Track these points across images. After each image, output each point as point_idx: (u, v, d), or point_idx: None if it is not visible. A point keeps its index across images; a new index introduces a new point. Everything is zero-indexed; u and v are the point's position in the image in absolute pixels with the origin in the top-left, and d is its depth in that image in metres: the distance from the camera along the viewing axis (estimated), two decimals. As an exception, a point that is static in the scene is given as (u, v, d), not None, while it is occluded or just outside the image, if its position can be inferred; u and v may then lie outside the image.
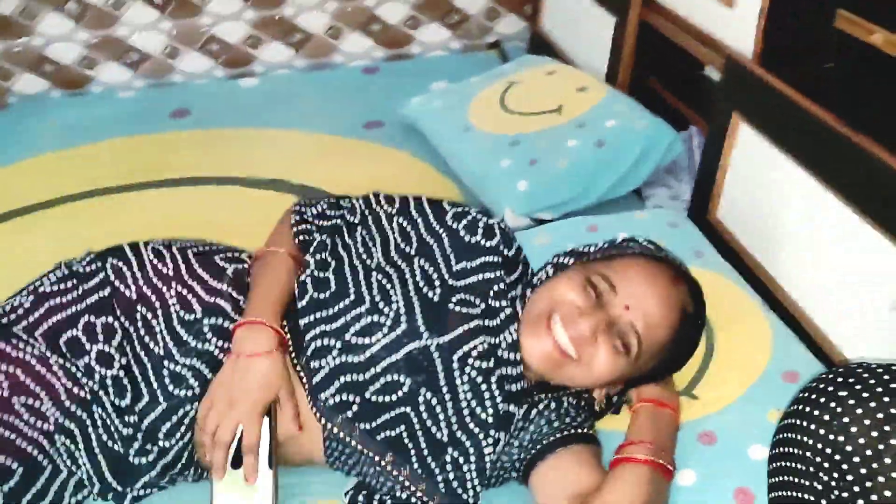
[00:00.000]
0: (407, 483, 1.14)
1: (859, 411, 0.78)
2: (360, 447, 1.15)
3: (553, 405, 1.22)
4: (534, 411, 1.22)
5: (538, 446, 1.18)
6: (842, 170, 1.34)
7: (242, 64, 2.66)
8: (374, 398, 1.16)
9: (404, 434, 1.15)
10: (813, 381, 0.85)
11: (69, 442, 1.16)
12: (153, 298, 1.23)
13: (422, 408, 1.16)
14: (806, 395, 0.84)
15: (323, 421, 1.16)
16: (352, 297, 1.21)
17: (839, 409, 0.80)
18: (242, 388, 1.13)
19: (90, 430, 1.16)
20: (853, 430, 0.79)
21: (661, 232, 1.57)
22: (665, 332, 1.15)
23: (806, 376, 1.27)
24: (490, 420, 1.16)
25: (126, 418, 1.16)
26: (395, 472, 1.14)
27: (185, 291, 1.24)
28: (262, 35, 2.63)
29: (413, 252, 1.29)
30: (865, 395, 0.79)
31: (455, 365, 1.17)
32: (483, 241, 1.29)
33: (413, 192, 1.96)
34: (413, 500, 1.15)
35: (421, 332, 1.18)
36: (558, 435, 1.18)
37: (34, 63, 2.53)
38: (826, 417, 0.80)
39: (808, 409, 0.83)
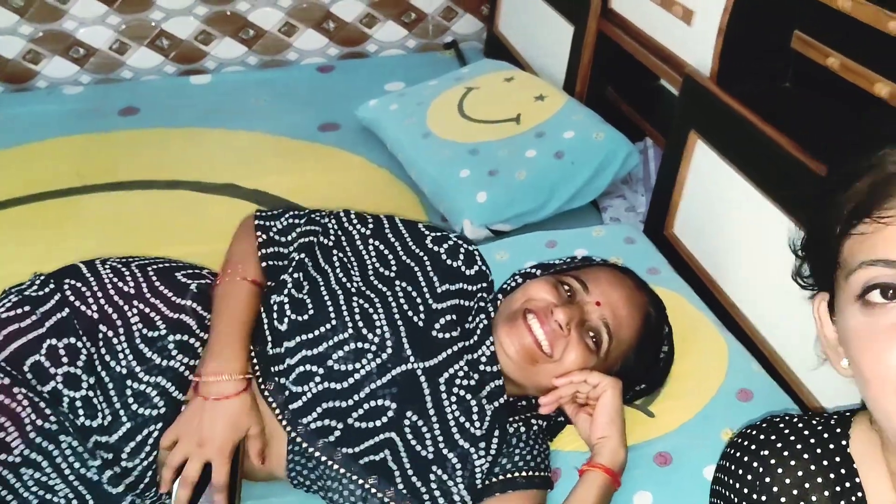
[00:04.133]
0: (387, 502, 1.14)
1: (780, 471, 0.79)
2: (342, 470, 1.15)
3: (522, 428, 1.24)
4: (509, 431, 1.23)
5: (494, 479, 1.18)
6: (794, 192, 1.36)
7: (194, 60, 2.61)
8: (357, 424, 1.16)
9: (388, 457, 1.16)
10: (737, 436, 0.86)
11: (38, 474, 1.13)
12: (115, 317, 1.21)
13: (407, 430, 1.16)
14: (731, 451, 0.85)
15: (305, 445, 1.16)
16: (333, 322, 1.21)
17: (761, 470, 0.80)
18: (212, 429, 1.13)
19: (59, 459, 1.14)
20: (775, 489, 0.80)
21: (618, 248, 1.59)
22: (632, 331, 1.22)
23: (760, 395, 1.30)
24: (482, 433, 1.18)
25: (91, 440, 1.15)
26: (378, 494, 1.14)
27: (147, 309, 1.22)
28: (214, 31, 2.58)
29: (393, 275, 1.29)
30: (785, 453, 0.80)
31: (442, 388, 1.19)
32: (464, 269, 1.33)
33: (370, 198, 1.98)
34: None
35: (407, 357, 1.19)
36: (516, 475, 1.18)
37: (-25, 57, 2.45)
38: (749, 477, 0.81)
39: (732, 467, 0.84)
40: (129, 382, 1.17)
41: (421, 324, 1.23)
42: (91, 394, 1.16)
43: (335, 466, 1.16)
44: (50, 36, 2.47)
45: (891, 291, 0.65)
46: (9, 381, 1.14)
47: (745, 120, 1.45)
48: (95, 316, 1.21)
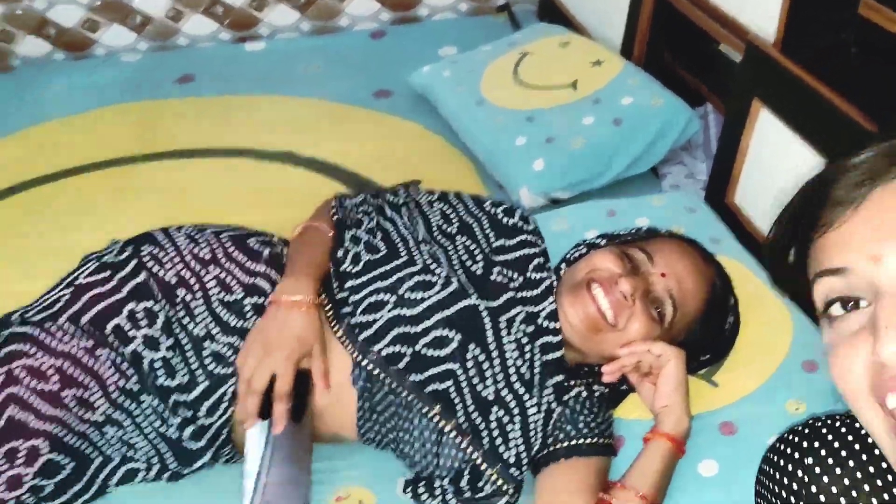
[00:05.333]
0: (453, 434, 1.17)
1: (826, 480, 0.77)
2: (410, 397, 1.19)
3: (584, 394, 1.25)
4: (568, 395, 1.25)
5: (558, 446, 1.21)
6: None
7: (247, 27, 2.62)
8: (424, 351, 1.20)
9: (451, 389, 1.19)
10: (779, 441, 0.83)
11: (120, 431, 1.18)
12: (192, 281, 1.25)
13: (469, 364, 1.20)
14: (774, 458, 0.84)
15: (377, 371, 1.20)
16: (404, 258, 1.27)
17: (806, 479, 0.78)
18: (279, 337, 1.17)
19: (140, 418, 1.19)
20: (822, 499, 0.78)
21: (678, 217, 1.59)
22: (698, 303, 1.23)
23: (825, 366, 1.29)
24: (535, 381, 1.21)
25: (171, 399, 1.19)
26: (441, 423, 1.17)
27: (223, 274, 1.27)
28: (268, -3, 2.59)
29: (454, 231, 1.35)
30: (830, 461, 0.78)
31: (503, 327, 1.23)
32: (521, 224, 1.38)
33: (425, 165, 1.99)
34: (460, 469, 1.18)
35: (470, 294, 1.23)
36: (580, 441, 1.21)
37: (36, 26, 2.48)
38: (794, 487, 0.79)
39: (777, 475, 0.83)
40: (206, 343, 1.22)
41: (479, 272, 1.29)
42: (170, 354, 1.20)
43: (404, 393, 1.19)
44: (107, 4, 2.50)
45: (850, 303, 0.62)
46: (92, 343, 1.19)
47: (813, 88, 1.42)
48: (173, 280, 1.25)
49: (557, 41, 2.14)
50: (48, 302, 1.23)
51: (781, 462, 0.80)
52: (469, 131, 2.00)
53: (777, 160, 1.54)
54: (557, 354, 1.24)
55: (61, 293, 1.24)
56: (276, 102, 2.27)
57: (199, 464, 1.22)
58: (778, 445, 0.82)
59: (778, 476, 0.80)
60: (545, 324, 1.25)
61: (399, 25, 2.67)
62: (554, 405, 1.23)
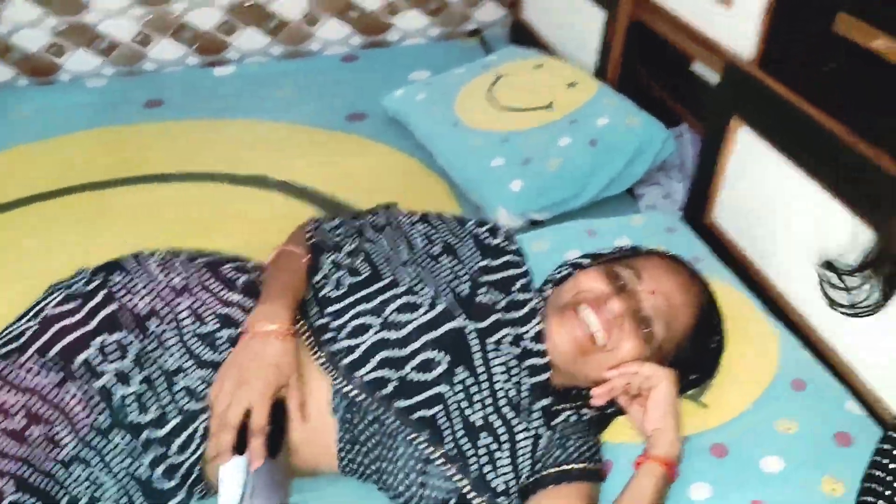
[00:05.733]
0: (440, 462, 1.14)
1: None
2: (396, 423, 1.15)
3: (573, 418, 1.23)
4: (557, 419, 1.22)
5: (546, 472, 1.18)
6: (843, 176, 1.34)
7: (216, 51, 2.59)
8: (412, 376, 1.17)
9: (440, 414, 1.16)
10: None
11: (88, 470, 1.13)
12: (164, 312, 1.21)
13: (458, 387, 1.17)
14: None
15: (361, 397, 1.16)
16: (388, 280, 1.24)
17: None
18: (253, 368, 1.12)
19: (109, 456, 1.14)
20: None
21: (658, 237, 1.57)
22: (687, 320, 1.21)
23: (813, 385, 1.28)
24: (524, 405, 1.18)
25: (143, 435, 1.14)
26: (428, 450, 1.14)
27: (196, 304, 1.22)
28: (237, 21, 2.56)
29: (438, 252, 1.32)
30: None
31: (490, 347, 1.20)
32: (505, 244, 1.36)
33: (400, 187, 1.97)
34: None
35: (456, 315, 1.20)
36: (570, 466, 1.18)
37: (0, 50, 2.43)
38: None
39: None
40: (177, 377, 1.17)
41: (465, 293, 1.26)
42: (141, 389, 1.15)
43: (389, 420, 1.15)
44: (73, 29, 2.45)
45: None
46: (60, 378, 1.14)
47: (793, 104, 1.42)
48: (144, 311, 1.20)
49: (532, 63, 2.13)
50: (14, 334, 1.18)
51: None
52: (445, 153, 1.98)
53: (757, 178, 1.54)
54: (545, 377, 1.22)
55: (28, 325, 1.18)
56: (247, 126, 2.23)
57: (173, 502, 1.17)
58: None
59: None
60: (531, 346, 1.22)
61: (370, 50, 2.65)
62: (542, 430, 1.20)
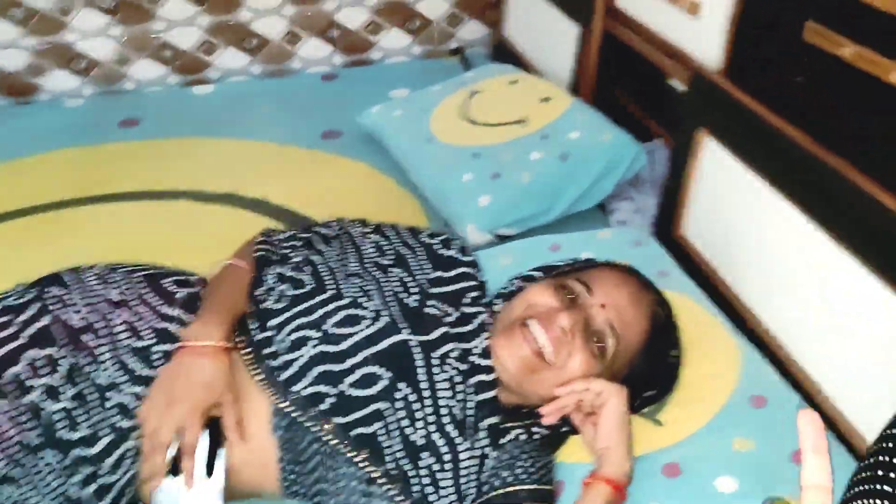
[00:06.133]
0: (383, 482, 1.09)
1: None
2: (334, 442, 1.11)
3: (523, 437, 1.18)
4: (505, 438, 1.18)
5: (494, 493, 1.13)
6: (810, 188, 1.30)
7: (197, 70, 2.58)
8: (350, 391, 1.12)
9: (380, 432, 1.12)
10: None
11: (17, 491, 1.09)
12: (99, 325, 1.17)
13: (399, 404, 1.12)
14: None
15: (296, 414, 1.12)
16: (331, 292, 1.20)
17: None
18: (184, 386, 1.09)
19: (39, 476, 1.10)
20: None
21: (624, 251, 1.53)
22: (639, 333, 1.17)
23: (774, 401, 1.23)
24: (469, 423, 1.14)
25: (72, 454, 1.10)
26: (369, 468, 1.10)
27: (133, 318, 1.18)
28: (217, 41, 2.55)
29: (388, 263, 1.29)
30: None
31: (435, 362, 1.15)
32: (458, 256, 1.33)
33: (372, 205, 1.93)
34: None
35: (401, 328, 1.16)
36: (518, 488, 1.13)
37: (-23, 71, 2.43)
38: None
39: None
40: (110, 393, 1.13)
41: (414, 304, 1.22)
42: (71, 405, 1.11)
43: (327, 438, 1.11)
44: (52, 48, 2.45)
45: None
46: None
47: (759, 116, 1.39)
48: (79, 324, 1.17)
49: (507, 79, 2.11)
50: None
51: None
52: (417, 169, 1.96)
53: (724, 191, 1.50)
54: (491, 394, 1.17)
55: None
56: (221, 145, 2.21)
57: None
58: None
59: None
60: (478, 361, 1.18)
61: (351, 68, 2.64)
62: (488, 450, 1.15)
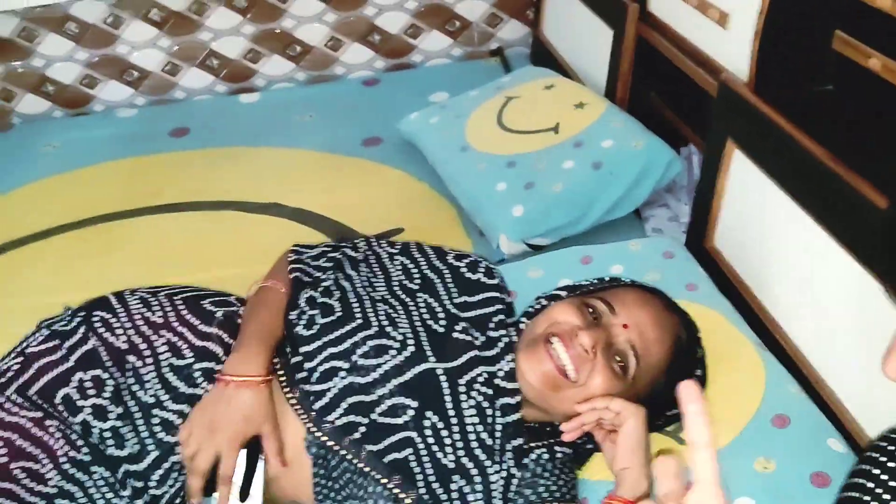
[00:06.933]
0: None
1: None
2: (367, 469, 1.15)
3: (546, 456, 1.21)
4: (528, 458, 1.21)
5: None
6: (831, 205, 1.29)
7: (243, 78, 2.65)
8: (380, 420, 1.16)
9: (411, 457, 1.15)
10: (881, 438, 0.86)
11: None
12: (142, 347, 1.23)
13: (427, 432, 1.16)
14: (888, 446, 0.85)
15: (331, 444, 1.16)
16: (359, 321, 1.23)
17: None
18: (225, 417, 1.14)
19: (91, 489, 1.16)
20: None
21: (656, 262, 1.54)
22: (661, 354, 1.18)
23: (797, 420, 1.24)
24: (496, 447, 1.17)
25: (121, 469, 1.17)
26: (401, 495, 1.14)
27: (174, 338, 1.24)
28: (262, 49, 2.62)
29: (416, 287, 1.31)
30: None
31: (461, 389, 1.18)
32: (484, 279, 1.34)
33: (409, 213, 1.98)
34: None
35: (428, 356, 1.19)
36: None
37: (36, 84, 2.53)
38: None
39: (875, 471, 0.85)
40: (155, 411, 1.19)
41: (441, 330, 1.25)
42: (119, 424, 1.18)
43: (360, 465, 1.15)
44: (105, 60, 2.54)
45: None
46: (41, 415, 1.17)
47: (783, 130, 1.38)
48: (124, 346, 1.23)
49: (543, 84, 2.12)
50: (-2, 372, 1.22)
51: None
52: (453, 178, 1.99)
53: (752, 204, 1.50)
54: (516, 416, 1.20)
55: (11, 363, 1.22)
56: (266, 154, 2.28)
57: None
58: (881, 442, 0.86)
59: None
60: (503, 384, 1.21)
61: (392, 73, 2.67)
62: (514, 470, 1.18)
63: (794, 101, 1.42)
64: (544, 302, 1.32)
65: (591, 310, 1.20)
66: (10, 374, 1.21)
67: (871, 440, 0.87)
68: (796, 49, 1.46)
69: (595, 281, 1.35)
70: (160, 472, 1.18)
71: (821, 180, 1.30)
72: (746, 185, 1.51)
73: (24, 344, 1.26)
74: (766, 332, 1.44)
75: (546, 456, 1.21)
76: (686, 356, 1.23)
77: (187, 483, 1.15)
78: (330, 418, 1.17)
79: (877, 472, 0.87)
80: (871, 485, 0.87)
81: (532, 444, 1.21)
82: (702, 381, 1.27)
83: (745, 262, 1.54)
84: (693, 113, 1.92)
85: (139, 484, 1.18)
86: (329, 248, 1.38)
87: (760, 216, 1.48)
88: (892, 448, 0.86)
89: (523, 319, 1.32)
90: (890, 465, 0.86)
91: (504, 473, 1.17)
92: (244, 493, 1.13)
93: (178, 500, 1.19)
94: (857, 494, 0.88)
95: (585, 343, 1.15)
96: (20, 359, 1.22)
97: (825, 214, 1.30)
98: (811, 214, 1.33)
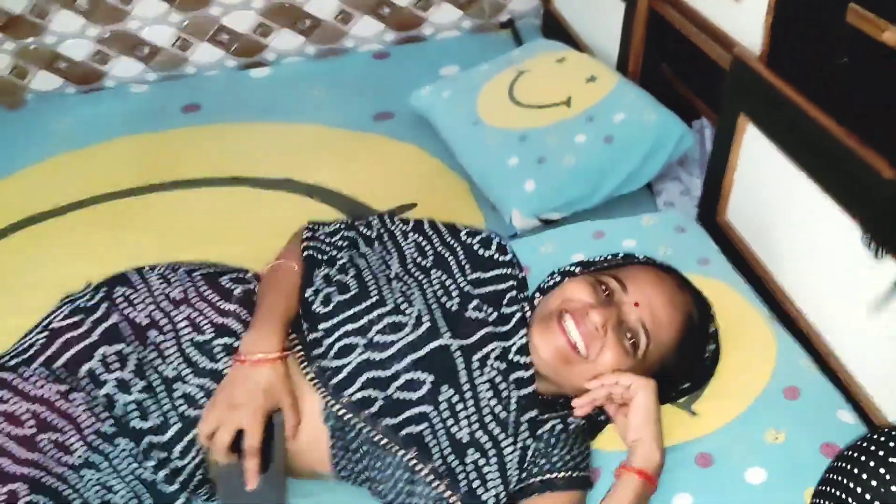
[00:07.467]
0: (430, 479, 1.16)
1: None
2: (384, 441, 1.18)
3: (559, 427, 1.23)
4: (542, 429, 1.23)
5: (532, 480, 1.19)
6: (843, 179, 1.30)
7: (254, 53, 2.65)
8: (397, 395, 1.19)
9: (426, 431, 1.18)
10: (861, 440, 0.88)
11: (98, 474, 1.19)
12: (164, 322, 1.26)
13: (443, 406, 1.19)
14: (853, 454, 0.87)
15: (349, 417, 1.19)
16: (374, 298, 1.26)
17: (888, 476, 0.82)
18: (245, 393, 1.17)
19: (116, 460, 1.20)
20: None
21: (668, 237, 1.56)
22: (672, 332, 1.20)
23: (808, 393, 1.26)
24: (511, 420, 1.19)
25: (145, 441, 1.20)
26: (418, 466, 1.16)
27: (194, 314, 1.27)
28: (272, 23, 2.61)
29: (429, 265, 1.34)
30: None
31: (475, 365, 1.21)
32: (497, 256, 1.37)
33: (421, 188, 1.99)
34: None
35: (442, 333, 1.22)
36: (554, 475, 1.19)
37: (48, 60, 2.54)
38: (873, 483, 0.83)
39: (854, 469, 0.86)
40: (177, 385, 1.22)
41: (455, 307, 1.27)
42: (142, 397, 1.21)
43: (377, 437, 1.18)
44: (116, 36, 2.54)
45: None
46: (66, 388, 1.20)
47: (796, 104, 1.38)
48: (145, 322, 1.26)
49: (554, 57, 2.11)
50: (23, 347, 1.25)
51: (863, 458, 0.86)
52: (465, 152, 2.00)
53: (764, 178, 1.51)
54: (530, 389, 1.23)
55: (36, 338, 1.25)
56: (277, 129, 2.28)
57: None
58: (862, 444, 0.88)
59: (857, 472, 0.86)
60: (516, 358, 1.23)
61: (402, 45, 2.67)
62: (529, 441, 1.21)
63: (807, 74, 1.42)
64: (558, 278, 1.34)
65: (603, 287, 1.22)
66: (35, 348, 1.24)
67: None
68: (810, 22, 1.46)
69: (609, 257, 1.36)
70: (182, 444, 1.21)
71: (833, 154, 1.31)
72: (759, 159, 1.51)
73: (49, 319, 1.28)
74: (777, 306, 1.46)
75: (560, 427, 1.24)
76: (698, 333, 1.25)
77: (212, 459, 1.17)
78: (347, 393, 1.20)
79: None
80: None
81: (546, 416, 1.24)
82: (715, 357, 1.29)
83: (757, 236, 1.55)
84: (705, 86, 1.92)
85: (163, 455, 1.21)
86: (343, 226, 1.40)
87: (773, 190, 1.48)
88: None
89: (536, 294, 1.34)
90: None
91: (520, 445, 1.19)
92: (264, 465, 1.16)
93: (199, 473, 1.22)
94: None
95: (596, 321, 1.17)
96: (45, 333, 1.25)
97: (838, 188, 1.31)
98: (823, 188, 1.34)
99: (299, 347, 1.25)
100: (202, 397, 1.21)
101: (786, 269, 1.47)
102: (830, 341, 1.36)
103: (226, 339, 1.25)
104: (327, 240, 1.37)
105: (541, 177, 1.79)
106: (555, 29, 2.48)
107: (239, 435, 1.16)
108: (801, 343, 1.36)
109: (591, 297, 1.20)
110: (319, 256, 1.34)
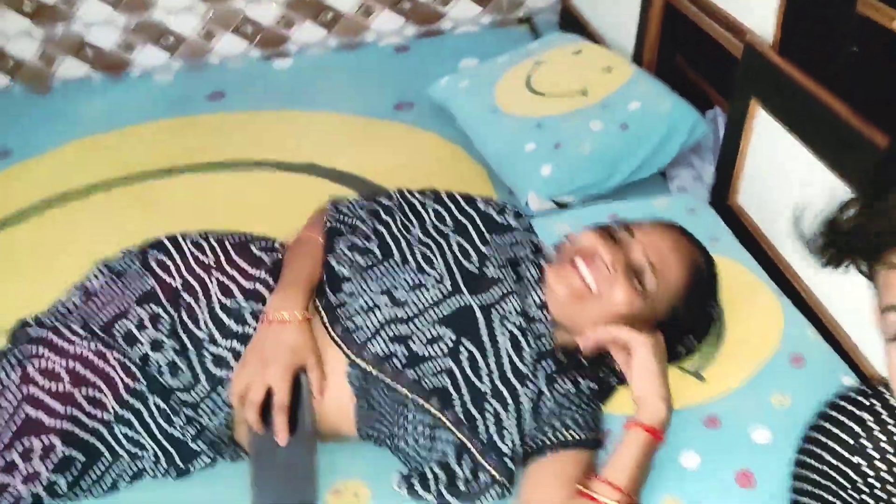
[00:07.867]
0: (450, 425, 1.21)
1: (882, 437, 0.84)
2: (406, 393, 1.23)
3: (573, 390, 1.28)
4: (557, 387, 1.28)
5: (543, 438, 1.23)
6: (854, 164, 1.34)
7: (276, 44, 2.71)
8: (418, 350, 1.25)
9: (449, 384, 1.23)
10: (838, 396, 0.92)
11: (129, 430, 1.24)
12: (196, 287, 1.31)
13: (464, 362, 1.24)
14: (830, 411, 0.91)
15: (373, 371, 1.24)
16: (398, 259, 1.32)
17: (861, 432, 0.85)
18: (272, 352, 1.22)
19: (147, 417, 1.25)
20: (873, 453, 0.85)
21: (680, 218, 1.57)
22: (678, 276, 1.26)
23: (813, 361, 1.31)
24: (528, 373, 1.24)
25: (175, 397, 1.25)
26: (439, 417, 1.21)
27: (225, 280, 1.32)
28: (295, 15, 2.67)
29: (449, 231, 1.39)
30: (878, 424, 0.85)
31: (496, 323, 1.26)
32: (513, 222, 1.42)
33: (441, 172, 2.04)
34: (454, 466, 1.21)
35: (463, 291, 1.28)
36: (566, 435, 1.23)
37: (75, 48, 2.60)
38: (848, 439, 0.87)
39: (830, 427, 0.90)
40: (208, 346, 1.27)
41: (474, 269, 1.33)
42: (174, 357, 1.26)
43: (400, 391, 1.23)
44: (142, 26, 2.61)
45: None
46: (102, 346, 1.26)
47: (807, 90, 1.43)
48: (178, 286, 1.31)
49: (571, 49, 2.17)
50: (60, 306, 1.31)
51: (841, 418, 0.91)
52: (483, 139, 2.05)
53: (776, 162, 1.55)
54: (547, 343, 1.28)
55: (74, 297, 1.31)
56: (301, 117, 2.35)
57: (203, 462, 1.28)
58: (836, 400, 0.94)
59: (836, 431, 0.91)
60: (535, 314, 1.29)
61: (422, 39, 2.73)
62: (544, 388, 1.26)
63: (818, 62, 1.47)
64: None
65: (611, 234, 1.28)
66: (71, 307, 1.30)
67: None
68: (821, 11, 1.51)
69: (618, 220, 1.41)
70: (210, 402, 1.26)
71: (844, 139, 1.35)
72: (770, 144, 1.56)
73: (86, 281, 1.34)
74: (785, 282, 1.50)
75: (573, 390, 1.28)
76: (704, 283, 1.30)
77: (246, 417, 1.21)
78: (372, 349, 1.25)
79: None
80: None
81: (561, 377, 1.28)
82: (715, 314, 1.33)
83: (767, 217, 1.60)
84: (719, 76, 1.97)
85: (191, 412, 1.26)
86: (364, 200, 1.45)
87: (784, 174, 1.53)
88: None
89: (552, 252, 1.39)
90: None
91: (536, 390, 1.24)
92: (292, 423, 1.21)
93: (226, 431, 1.27)
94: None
95: (606, 259, 1.24)
96: (81, 294, 1.31)
97: (848, 173, 1.35)
98: (835, 172, 1.38)
99: (324, 309, 1.31)
100: (231, 358, 1.27)
101: (794, 250, 1.51)
102: (836, 315, 1.40)
103: (255, 304, 1.30)
104: (349, 212, 1.42)
105: (557, 162, 1.84)
106: (572, 24, 2.53)
107: (268, 400, 1.20)
108: (808, 317, 1.41)
109: (601, 244, 1.27)
110: (342, 227, 1.39)
